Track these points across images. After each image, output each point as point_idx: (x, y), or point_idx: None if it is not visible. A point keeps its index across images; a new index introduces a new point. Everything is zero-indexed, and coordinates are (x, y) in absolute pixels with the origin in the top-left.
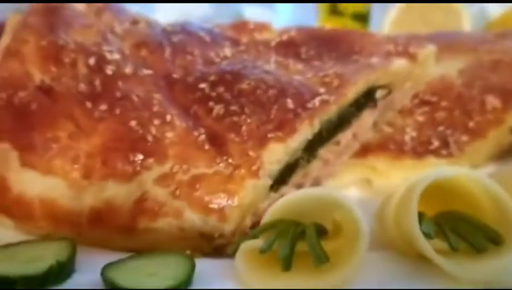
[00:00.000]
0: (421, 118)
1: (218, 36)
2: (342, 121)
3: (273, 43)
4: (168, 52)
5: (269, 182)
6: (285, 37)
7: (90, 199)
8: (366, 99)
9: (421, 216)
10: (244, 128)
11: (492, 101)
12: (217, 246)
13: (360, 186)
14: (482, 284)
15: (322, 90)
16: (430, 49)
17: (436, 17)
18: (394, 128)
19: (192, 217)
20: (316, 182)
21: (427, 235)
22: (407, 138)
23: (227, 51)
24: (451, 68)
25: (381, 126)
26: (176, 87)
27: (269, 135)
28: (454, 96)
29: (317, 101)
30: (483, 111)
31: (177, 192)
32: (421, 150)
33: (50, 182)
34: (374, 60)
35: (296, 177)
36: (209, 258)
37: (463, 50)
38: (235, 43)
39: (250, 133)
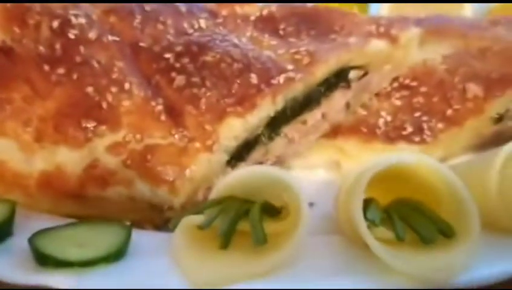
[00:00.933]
0: (398, 102)
1: (196, 8)
2: (309, 100)
3: (252, 17)
4: (138, 20)
5: (225, 157)
6: (265, 12)
7: (41, 162)
8: (338, 79)
9: (368, 203)
10: (203, 100)
11: (474, 89)
12: (167, 219)
13: (328, 168)
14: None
15: (290, 67)
16: (414, 32)
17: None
18: (369, 111)
19: (142, 188)
20: (280, 161)
21: (372, 223)
22: (381, 121)
23: (203, 23)
24: (436, 53)
25: (355, 108)
26: (142, 55)
27: (228, 109)
28: (435, 82)
29: (282, 78)
30: (463, 99)
31: (129, 161)
32: (393, 135)
33: (1, 144)
34: (352, 39)
35: (256, 154)
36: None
37: (452, 35)
38: (213, 15)
39: (209, 106)
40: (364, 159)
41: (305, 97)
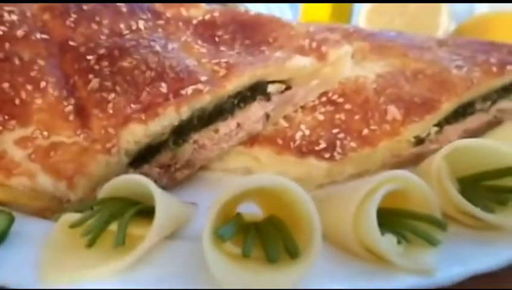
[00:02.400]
0: (321, 117)
1: (139, 8)
2: (221, 111)
3: (194, 21)
4: (72, 19)
5: (125, 159)
6: (207, 17)
7: None
8: (255, 92)
9: (233, 218)
10: (110, 105)
11: (394, 111)
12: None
13: (243, 174)
14: None
15: (203, 78)
16: (345, 50)
17: (413, 8)
18: (291, 123)
19: (44, 181)
20: (190, 165)
21: (222, 238)
22: (298, 135)
23: (141, 24)
24: (371, 71)
25: (276, 119)
26: (68, 55)
27: (132, 116)
28: (360, 101)
29: (190, 89)
30: (382, 120)
31: (33, 155)
32: (305, 149)
33: None
34: (277, 54)
35: (162, 158)
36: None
37: (392, 54)
38: (156, 15)
39: (115, 111)
40: (274, 169)
41: (216, 108)
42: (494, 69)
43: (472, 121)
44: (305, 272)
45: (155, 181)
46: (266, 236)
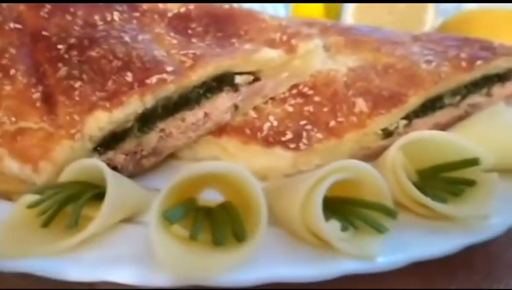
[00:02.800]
0: (290, 109)
1: (116, 0)
2: (187, 100)
3: (169, 14)
4: (46, 10)
5: (89, 145)
6: (183, 10)
7: None
8: (222, 83)
9: (183, 202)
10: (76, 93)
11: (361, 104)
12: None
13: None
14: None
15: (169, 68)
16: (315, 43)
17: (400, 6)
18: (260, 114)
19: (11, 164)
20: (157, 152)
21: (169, 220)
22: (266, 125)
23: (116, 15)
24: (344, 65)
25: (246, 110)
26: (40, 44)
27: (97, 103)
28: (329, 94)
29: (155, 78)
30: (349, 113)
31: (0, 140)
32: (271, 140)
33: None
34: (246, 46)
35: (127, 145)
36: None
37: (366, 48)
38: (132, 8)
39: (81, 98)
40: (241, 158)
41: (181, 97)
42: (464, 64)
43: (442, 115)
44: (249, 255)
45: (121, 167)
46: (215, 220)
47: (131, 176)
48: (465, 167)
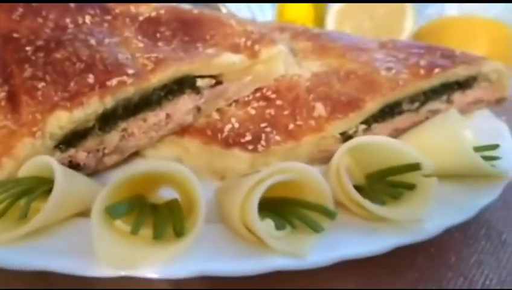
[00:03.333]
0: (252, 112)
1: (88, 4)
2: (147, 102)
3: (141, 18)
4: (18, 13)
5: (50, 143)
6: (153, 14)
7: None
8: (183, 86)
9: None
10: (39, 93)
11: (320, 108)
12: None
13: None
14: None
15: (130, 71)
16: (278, 49)
17: (381, 12)
18: (223, 116)
19: None
20: (119, 151)
21: (110, 215)
22: (227, 127)
23: (88, 19)
24: (308, 70)
25: (209, 112)
26: (10, 45)
27: (59, 103)
28: (291, 98)
29: (115, 80)
30: (308, 117)
31: None
32: (231, 141)
33: None
34: (209, 50)
35: (89, 143)
36: None
37: (332, 54)
38: (104, 12)
39: (44, 98)
40: (201, 159)
41: (142, 99)
42: (422, 71)
43: (401, 121)
44: (184, 249)
45: (83, 164)
46: (157, 216)
47: (94, 173)
48: (407, 171)
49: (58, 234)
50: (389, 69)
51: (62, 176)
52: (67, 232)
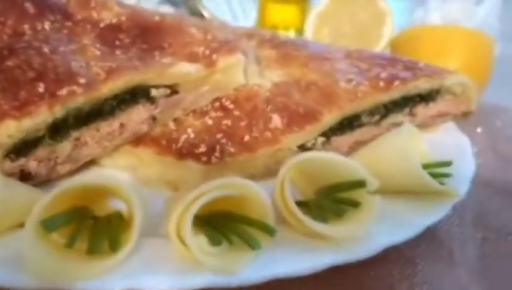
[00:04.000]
0: (210, 122)
1: (49, 9)
2: (99, 111)
3: (101, 24)
4: None
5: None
6: (115, 21)
7: None
8: (136, 95)
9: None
10: None
11: (276, 120)
12: None
13: (127, 172)
14: None
15: (82, 80)
16: (237, 58)
17: (363, 15)
18: (179, 126)
19: None
20: (72, 160)
21: (45, 228)
22: (183, 137)
23: (47, 25)
24: (269, 80)
25: (165, 121)
26: None
27: (8, 112)
28: (249, 108)
29: (65, 90)
30: (265, 128)
31: None
32: (185, 151)
33: None
34: (165, 60)
35: (40, 152)
36: None
37: (295, 63)
38: (65, 18)
39: None
40: (155, 168)
41: (93, 109)
42: (382, 84)
43: (362, 134)
44: (116, 263)
45: (34, 173)
46: (93, 230)
47: (47, 181)
48: (351, 188)
49: None
50: (349, 80)
51: (1, 186)
52: (2, 242)
